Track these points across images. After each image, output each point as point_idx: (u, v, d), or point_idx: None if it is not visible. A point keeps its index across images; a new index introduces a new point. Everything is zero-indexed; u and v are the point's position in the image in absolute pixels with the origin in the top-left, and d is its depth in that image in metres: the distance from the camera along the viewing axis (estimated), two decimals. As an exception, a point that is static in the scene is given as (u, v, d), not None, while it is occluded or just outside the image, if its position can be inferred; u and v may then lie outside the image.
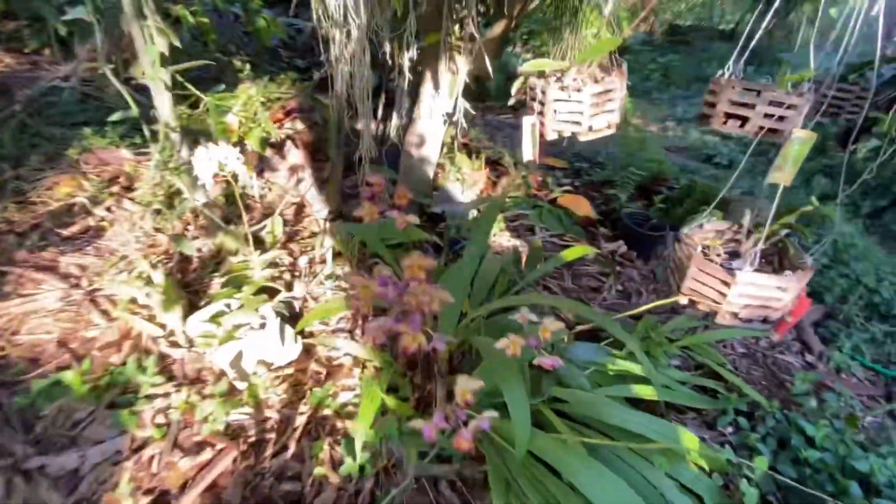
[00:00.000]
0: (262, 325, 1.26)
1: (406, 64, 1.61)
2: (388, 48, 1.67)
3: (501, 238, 2.15)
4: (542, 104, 1.27)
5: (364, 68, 1.39)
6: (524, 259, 1.59)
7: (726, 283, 1.03)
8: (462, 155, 2.44)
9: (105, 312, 1.43)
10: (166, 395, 1.20)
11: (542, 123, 1.29)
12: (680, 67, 6.78)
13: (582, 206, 2.33)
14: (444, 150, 2.55)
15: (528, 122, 1.30)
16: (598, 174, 3.05)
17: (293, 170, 2.46)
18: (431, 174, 2.30)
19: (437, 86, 2.15)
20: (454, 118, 2.20)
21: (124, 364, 1.25)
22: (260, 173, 2.37)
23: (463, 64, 1.96)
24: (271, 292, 1.37)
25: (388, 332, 0.62)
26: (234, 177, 0.90)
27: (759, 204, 2.52)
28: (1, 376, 1.20)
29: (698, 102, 5.72)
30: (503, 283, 1.45)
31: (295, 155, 2.55)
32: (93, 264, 1.59)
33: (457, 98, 2.08)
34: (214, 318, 1.14)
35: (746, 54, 1.14)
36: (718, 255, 1.12)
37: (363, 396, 1.04)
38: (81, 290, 1.47)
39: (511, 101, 2.62)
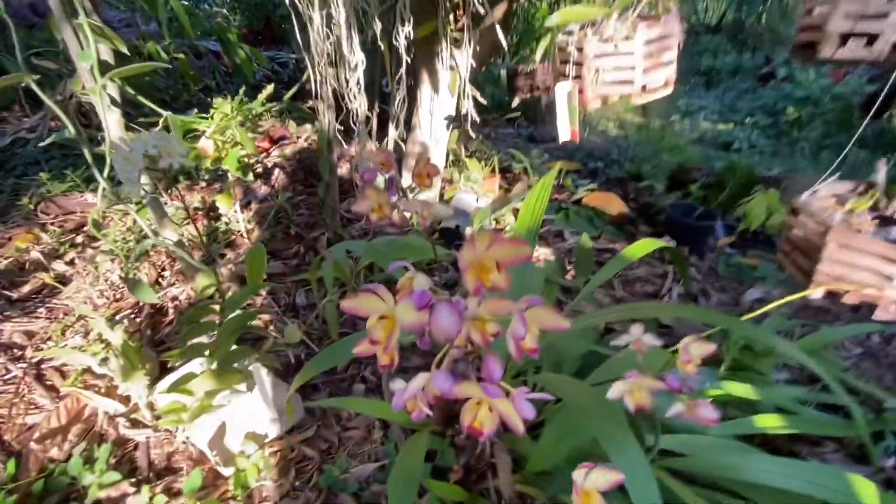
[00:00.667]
0: (249, 387, 0.95)
1: (403, 56, 1.35)
2: (381, 43, 1.43)
3: (528, 248, 1.85)
4: (579, 65, 1.00)
5: (354, 54, 1.13)
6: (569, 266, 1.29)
7: (892, 261, 0.72)
8: (472, 160, 2.17)
9: (52, 388, 1.13)
10: (122, 497, 0.88)
11: (580, 90, 1.02)
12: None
13: (613, 204, 2.04)
14: (450, 158, 2.29)
15: (562, 90, 1.03)
16: (617, 171, 2.78)
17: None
18: (438, 187, 2.03)
19: (435, 85, 1.90)
20: (459, 121, 1.94)
21: (69, 458, 0.94)
22: (246, 205, 2.11)
23: (463, 57, 1.71)
24: (258, 340, 1.07)
25: (438, 399, 0.31)
26: (175, 176, 0.62)
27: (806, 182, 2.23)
28: None
29: (700, 96, 5.53)
30: (550, 297, 1.14)
31: (284, 182, 2.30)
32: (43, 329, 1.30)
33: (459, 97, 1.82)
34: (179, 385, 0.84)
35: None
36: (868, 225, 0.81)
37: (393, 476, 0.72)
38: (24, 364, 1.17)
39: (514, 104, 2.33)
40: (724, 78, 5.76)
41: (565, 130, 1.04)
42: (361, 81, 1.17)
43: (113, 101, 1.16)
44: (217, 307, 0.81)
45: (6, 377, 1.14)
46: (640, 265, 1.73)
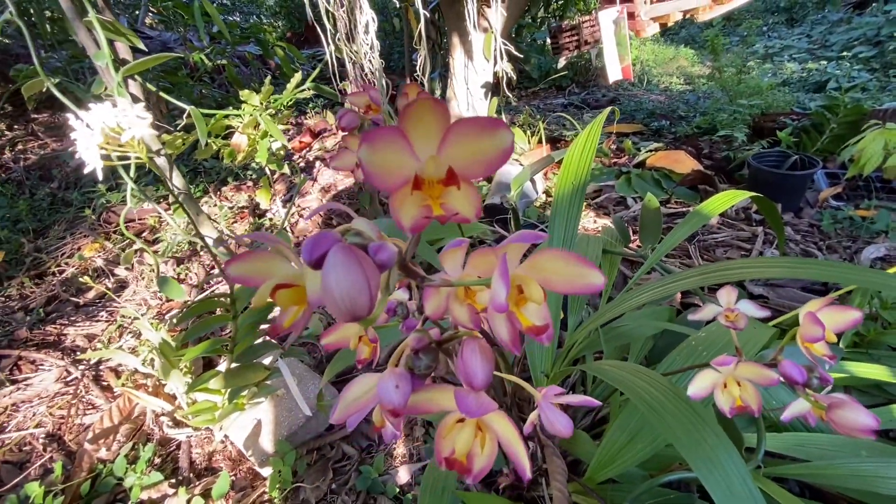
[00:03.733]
0: (275, 383, 0.89)
1: (420, 12, 1.22)
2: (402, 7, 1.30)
3: (584, 220, 1.66)
4: (627, -18, 0.81)
5: (363, 13, 1.02)
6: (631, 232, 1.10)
7: None
8: (517, 129, 2.00)
9: (108, 389, 1.15)
10: (163, 498, 0.86)
11: (630, 15, 0.83)
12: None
13: (683, 162, 1.78)
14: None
15: (606, 18, 0.85)
16: (685, 128, 2.46)
17: (326, 191, 2.17)
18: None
19: (468, 51, 1.75)
20: (498, 88, 1.78)
21: (116, 459, 0.93)
22: (289, 199, 2.11)
23: (495, 15, 1.55)
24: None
25: (396, 414, 0.19)
26: (151, 148, 0.55)
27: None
28: (-26, 493, 0.94)
29: (781, 36, 4.83)
30: (611, 271, 0.97)
31: (327, 175, 2.27)
32: (103, 332, 1.35)
33: (495, 61, 1.66)
34: (200, 384, 0.79)
35: None
36: None
37: (424, 482, 0.61)
38: (84, 366, 1.21)
39: (561, 63, 2.09)
40: (811, 11, 4.99)
41: (615, 68, 0.86)
42: (376, 44, 1.06)
43: (134, 100, 1.15)
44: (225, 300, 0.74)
45: (68, 379, 1.18)
46: (723, 228, 1.48)
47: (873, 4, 4.25)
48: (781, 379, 0.32)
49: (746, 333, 0.46)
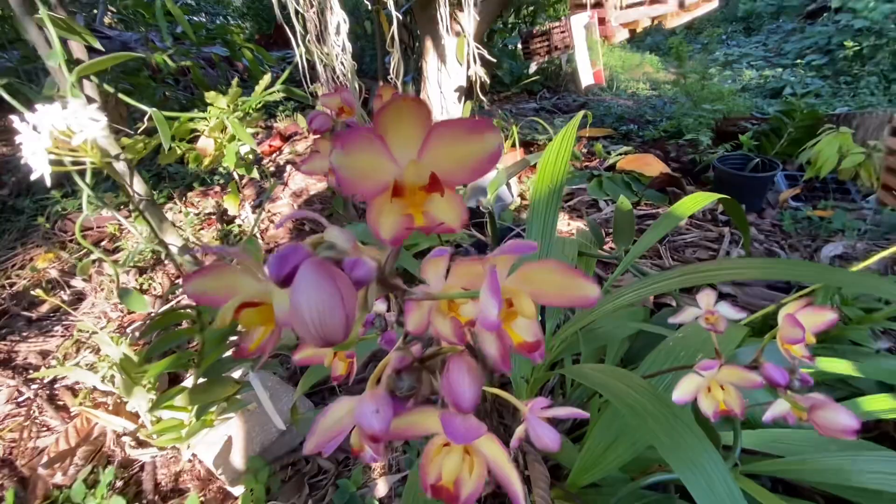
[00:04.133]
0: (247, 397, 0.85)
1: (393, 14, 1.21)
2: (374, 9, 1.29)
3: (558, 223, 1.68)
4: (598, -12, 0.82)
5: (333, 13, 1.00)
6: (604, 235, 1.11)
7: None
8: (488, 133, 2.01)
9: (64, 408, 1.08)
10: (126, 525, 0.81)
11: (601, 20, 0.84)
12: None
13: (652, 165, 1.83)
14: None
15: (578, 23, 0.86)
16: (652, 131, 2.53)
17: (297, 196, 2.12)
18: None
19: (441, 55, 1.75)
20: (472, 92, 1.78)
21: (73, 483, 0.87)
22: (259, 205, 2.05)
23: (467, 19, 1.55)
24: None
25: (376, 439, 0.18)
26: (95, 148, 0.52)
27: (884, 117, 1.91)
28: (-89, 530, 0.86)
29: (739, 44, 5.05)
30: (587, 272, 0.98)
31: (298, 180, 2.22)
32: (59, 348, 1.27)
33: (468, 65, 1.66)
34: (164, 401, 0.74)
35: None
36: None
37: (406, 493, 0.59)
38: (37, 385, 1.13)
39: (532, 69, 2.12)
40: (766, 20, 5.24)
41: (587, 72, 0.87)
42: (348, 45, 1.04)
43: (90, 101, 1.09)
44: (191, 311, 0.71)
45: (19, 399, 1.10)
46: (691, 229, 1.52)
47: (824, 14, 4.49)
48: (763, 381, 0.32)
49: (720, 334, 0.47)
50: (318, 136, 0.42)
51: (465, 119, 0.13)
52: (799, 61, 3.83)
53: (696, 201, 0.86)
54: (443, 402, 0.18)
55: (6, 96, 0.92)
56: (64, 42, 1.02)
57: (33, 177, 0.48)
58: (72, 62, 1.04)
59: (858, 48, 3.47)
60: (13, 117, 0.50)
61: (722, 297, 0.99)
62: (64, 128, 0.46)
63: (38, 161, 0.46)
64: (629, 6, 0.80)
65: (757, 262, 0.59)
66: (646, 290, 0.53)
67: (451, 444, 0.18)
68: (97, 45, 1.07)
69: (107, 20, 4.15)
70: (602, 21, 0.84)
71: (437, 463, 0.18)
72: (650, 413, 0.45)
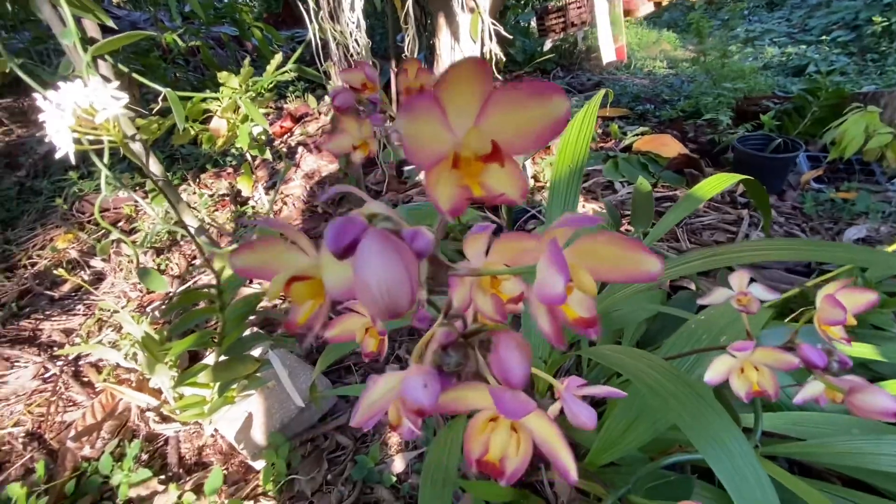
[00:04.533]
0: (267, 375, 0.86)
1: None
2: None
3: (573, 205, 1.66)
4: (622, -42, 0.79)
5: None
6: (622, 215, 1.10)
7: None
8: (502, 114, 1.97)
9: (89, 385, 1.11)
10: (152, 495, 0.84)
11: (624, -7, 0.81)
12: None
13: (669, 146, 1.79)
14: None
15: (601, -4, 0.83)
16: (669, 111, 2.46)
17: (309, 177, 2.12)
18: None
19: (455, 33, 1.71)
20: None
21: (101, 456, 0.90)
22: (272, 186, 2.05)
23: (482, -6, 1.51)
24: (275, 324, 0.98)
25: (420, 413, 0.18)
26: (126, 132, 0.52)
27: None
28: (-50, 497, 0.90)
29: (761, 20, 4.87)
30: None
31: (310, 161, 2.21)
32: (81, 326, 1.30)
33: (482, 42, 1.63)
34: (188, 378, 0.76)
35: None
36: None
37: (424, 472, 0.60)
38: (62, 361, 1.16)
39: (547, 46, 2.07)
40: (791, -5, 5.03)
41: (609, 48, 0.85)
42: (362, 22, 1.02)
43: (105, 81, 1.08)
44: (211, 291, 0.71)
45: (46, 375, 1.14)
46: (709, 211, 1.50)
47: (851, -12, 4.30)
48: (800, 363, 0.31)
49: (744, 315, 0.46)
50: (341, 112, 0.42)
51: (530, 81, 0.12)
52: (824, 38, 3.69)
53: (717, 183, 0.84)
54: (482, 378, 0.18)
55: (23, 76, 0.93)
56: (77, 21, 1.01)
57: (58, 155, 0.49)
58: (86, 41, 1.04)
59: (887, 23, 3.33)
60: (35, 97, 0.50)
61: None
62: (87, 105, 0.46)
63: (62, 139, 0.46)
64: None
65: (780, 244, 0.58)
66: (671, 271, 0.52)
67: (497, 419, 0.18)
68: (110, 22, 1.06)
69: (115, 0, 4.12)
70: (626, -6, 0.81)
71: (483, 439, 0.18)
72: (672, 393, 0.45)
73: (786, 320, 0.77)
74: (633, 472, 0.60)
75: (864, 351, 0.75)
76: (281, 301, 1.37)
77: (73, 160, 0.49)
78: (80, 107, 0.45)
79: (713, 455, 0.42)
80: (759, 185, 0.90)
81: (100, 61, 1.05)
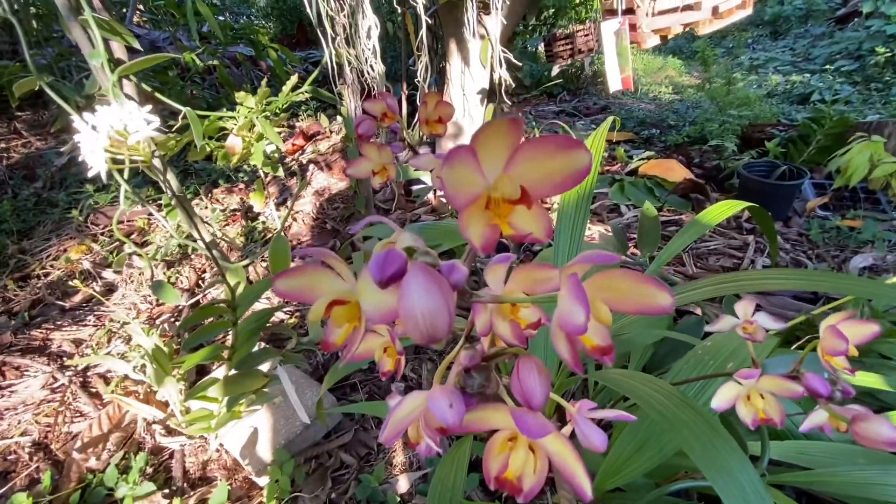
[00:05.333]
0: (274, 390, 0.87)
1: (422, 16, 1.22)
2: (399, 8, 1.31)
3: (579, 227, 1.68)
4: (630, -6, 0.83)
5: (365, 17, 1.02)
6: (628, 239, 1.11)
7: None
8: (510, 136, 2.01)
9: (96, 395, 1.12)
10: (157, 509, 0.84)
11: (632, 27, 0.85)
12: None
13: (675, 171, 1.81)
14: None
15: (608, 29, 0.86)
16: (675, 136, 2.50)
17: (319, 194, 2.16)
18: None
19: (465, 58, 1.76)
20: (495, 95, 1.79)
21: (106, 468, 0.91)
22: (283, 203, 2.09)
23: (493, 22, 1.56)
24: (284, 341, 0.99)
25: (444, 432, 0.19)
26: (152, 151, 0.54)
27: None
28: (-44, 505, 0.90)
29: (765, 48, 4.96)
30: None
31: (320, 178, 2.26)
32: (91, 337, 1.31)
33: (492, 68, 1.67)
34: (198, 392, 0.77)
35: None
36: None
37: (431, 491, 0.60)
38: (71, 372, 1.18)
39: (554, 71, 2.13)
40: (794, 24, 5.13)
41: (615, 78, 0.87)
42: (378, 49, 1.06)
43: (129, 99, 1.12)
44: (226, 306, 0.73)
45: (54, 385, 1.15)
46: (715, 236, 1.51)
47: (855, 19, 4.39)
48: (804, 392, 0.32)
49: (749, 343, 0.47)
50: (363, 140, 0.44)
51: (555, 136, 0.14)
52: (828, 67, 3.75)
53: (724, 209, 0.86)
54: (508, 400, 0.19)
55: (53, 95, 0.97)
56: (106, 42, 1.06)
57: (90, 174, 0.51)
58: (113, 61, 1.08)
59: (890, 54, 3.38)
60: (72, 117, 0.53)
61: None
62: (121, 128, 0.48)
63: (95, 159, 0.48)
64: (661, 13, 0.80)
65: (787, 273, 0.59)
66: (680, 297, 0.53)
67: (515, 439, 0.19)
68: (136, 44, 1.10)
69: (136, 19, 4.26)
70: (633, 27, 0.84)
71: (502, 457, 0.19)
72: (681, 420, 0.46)
73: (792, 347, 0.78)
74: (639, 498, 0.60)
75: (871, 380, 0.75)
76: (288, 317, 1.39)
77: (104, 178, 0.51)
78: (114, 129, 0.48)
79: (722, 484, 0.42)
80: (765, 212, 0.92)
81: (124, 80, 1.09)
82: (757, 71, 4.21)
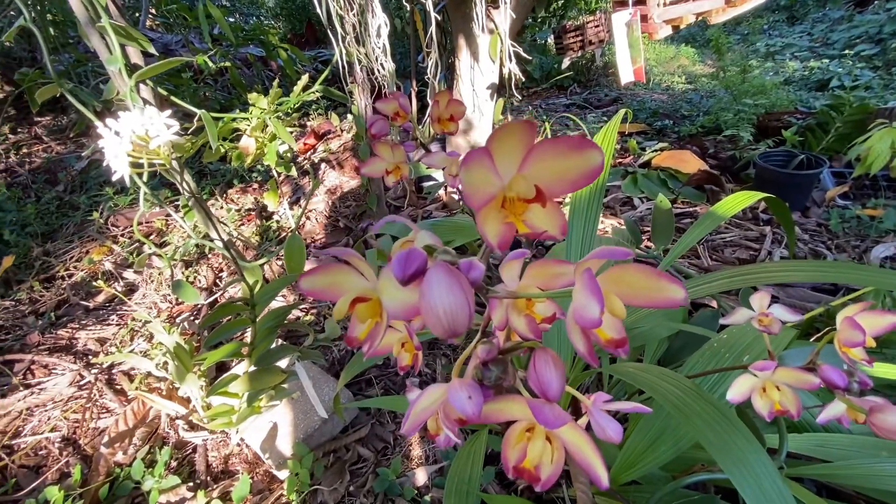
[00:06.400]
0: (292, 386, 0.89)
1: (431, 13, 1.22)
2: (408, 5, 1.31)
3: (591, 220, 1.67)
4: (640, -15, 0.82)
5: (375, 16, 1.02)
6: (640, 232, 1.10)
7: None
8: (520, 131, 2.00)
9: (121, 392, 1.16)
10: (182, 501, 0.87)
11: (643, 17, 0.84)
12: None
13: (689, 162, 1.79)
14: (497, 132, 2.13)
15: (619, 20, 0.85)
16: (688, 127, 2.46)
17: (331, 193, 2.18)
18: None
19: (474, 53, 1.75)
20: (504, 89, 1.78)
21: (133, 462, 0.94)
22: (296, 202, 2.11)
23: (502, 17, 1.55)
24: (301, 338, 1.01)
25: (463, 422, 0.20)
26: (171, 154, 0.56)
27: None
28: (-8, 498, 0.94)
29: (782, 34, 4.83)
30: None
31: (332, 177, 2.28)
32: (115, 336, 1.35)
33: (501, 62, 1.67)
34: (220, 388, 0.79)
35: None
36: None
37: (448, 484, 0.61)
38: (97, 369, 1.21)
39: (565, 64, 2.11)
40: (812, 8, 4.99)
41: (627, 69, 0.87)
42: (388, 47, 1.07)
43: (146, 104, 1.15)
44: (246, 304, 0.75)
45: (81, 383, 1.19)
46: (730, 228, 1.49)
47: (875, 2, 4.26)
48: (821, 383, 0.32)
49: (765, 335, 0.46)
50: (376, 140, 0.44)
51: (567, 137, 0.14)
52: (847, 52, 3.65)
53: (739, 201, 0.84)
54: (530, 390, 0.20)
55: (72, 100, 0.99)
56: (122, 48, 1.08)
57: (114, 178, 0.53)
58: (129, 66, 1.11)
59: (914, 37, 3.27)
60: (98, 123, 0.54)
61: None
62: (143, 133, 0.50)
63: (119, 163, 0.50)
64: (673, 3, 0.79)
65: (803, 265, 0.58)
66: (693, 291, 0.53)
67: (532, 430, 0.20)
68: (152, 50, 1.12)
69: (148, 23, 4.32)
70: (644, 18, 0.83)
71: (520, 447, 0.20)
72: (697, 413, 0.46)
73: (811, 339, 0.77)
74: (655, 491, 0.61)
75: (893, 372, 0.74)
76: (303, 314, 1.41)
77: (127, 182, 0.53)
78: (136, 134, 0.50)
79: (739, 476, 0.42)
80: (782, 203, 0.90)
81: (141, 84, 1.11)
82: (773, 57, 4.12)
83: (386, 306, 0.17)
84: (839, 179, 1.68)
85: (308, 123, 2.97)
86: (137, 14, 4.25)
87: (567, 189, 0.16)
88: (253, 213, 1.99)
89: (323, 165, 2.36)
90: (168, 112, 0.56)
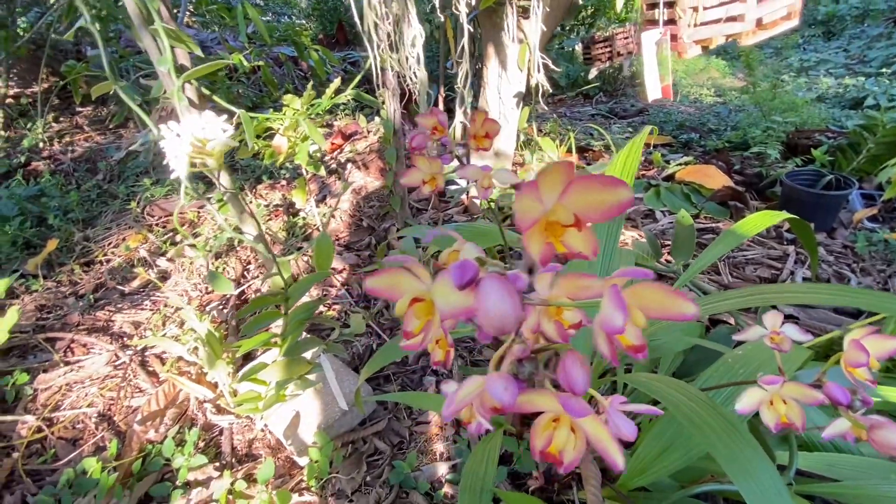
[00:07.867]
0: (317, 377, 0.93)
1: (464, 24, 1.26)
2: (440, 15, 1.35)
3: (611, 231, 1.68)
4: (671, 5, 0.84)
5: (411, 26, 1.06)
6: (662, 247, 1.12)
7: None
8: (546, 140, 2.03)
9: (154, 374, 1.22)
10: (208, 479, 0.92)
11: (673, 37, 0.86)
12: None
13: (713, 177, 1.78)
14: (521, 139, 2.16)
15: (649, 39, 0.87)
16: (715, 141, 2.44)
17: (356, 193, 2.23)
18: (509, 169, 1.92)
19: (503, 62, 1.79)
20: (530, 97, 1.81)
21: (164, 440, 0.99)
22: (322, 200, 2.18)
23: (532, 26, 1.58)
24: (328, 331, 1.06)
25: (497, 411, 0.23)
26: (223, 154, 0.60)
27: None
28: (34, 463, 1.01)
29: (818, 49, 4.73)
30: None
31: (357, 177, 2.33)
32: (148, 320, 1.42)
33: (529, 72, 1.70)
34: (250, 374, 0.84)
35: None
36: None
37: (462, 482, 0.64)
38: (131, 351, 1.28)
39: (592, 74, 2.13)
40: (849, 24, 4.87)
41: (654, 86, 0.89)
42: (421, 57, 1.11)
43: (191, 103, 1.21)
44: (280, 297, 0.79)
45: (117, 363, 1.25)
46: (753, 245, 1.48)
47: (916, 20, 4.14)
48: (825, 400, 0.34)
49: (783, 354, 0.48)
50: (415, 153, 0.48)
51: (601, 176, 0.17)
52: (884, 70, 3.56)
53: (762, 220, 0.85)
54: (556, 385, 0.23)
55: (124, 97, 1.06)
56: (171, 49, 1.15)
57: (172, 177, 0.58)
58: (177, 67, 1.17)
59: (957, 57, 3.17)
60: (159, 126, 0.59)
61: (784, 318, 0.99)
62: (201, 136, 0.55)
63: (178, 164, 0.54)
64: (703, 24, 0.81)
65: (820, 288, 0.59)
66: (707, 308, 0.55)
67: (558, 420, 0.23)
68: (199, 52, 1.19)
69: (185, 20, 4.48)
70: (674, 38, 0.85)
71: (547, 434, 0.23)
72: (709, 424, 0.48)
73: (829, 361, 0.77)
74: (663, 499, 0.63)
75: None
76: (326, 309, 1.46)
77: (185, 182, 0.58)
78: (195, 137, 0.54)
79: (748, 488, 0.44)
80: (806, 224, 0.91)
81: (185, 84, 1.18)
82: (807, 73, 4.04)
83: (438, 306, 0.20)
84: (868, 202, 1.66)
85: (335, 123, 3.04)
86: (177, 11, 4.38)
87: (599, 217, 0.19)
88: (280, 209, 2.05)
89: (349, 165, 2.42)
90: (224, 116, 0.61)
